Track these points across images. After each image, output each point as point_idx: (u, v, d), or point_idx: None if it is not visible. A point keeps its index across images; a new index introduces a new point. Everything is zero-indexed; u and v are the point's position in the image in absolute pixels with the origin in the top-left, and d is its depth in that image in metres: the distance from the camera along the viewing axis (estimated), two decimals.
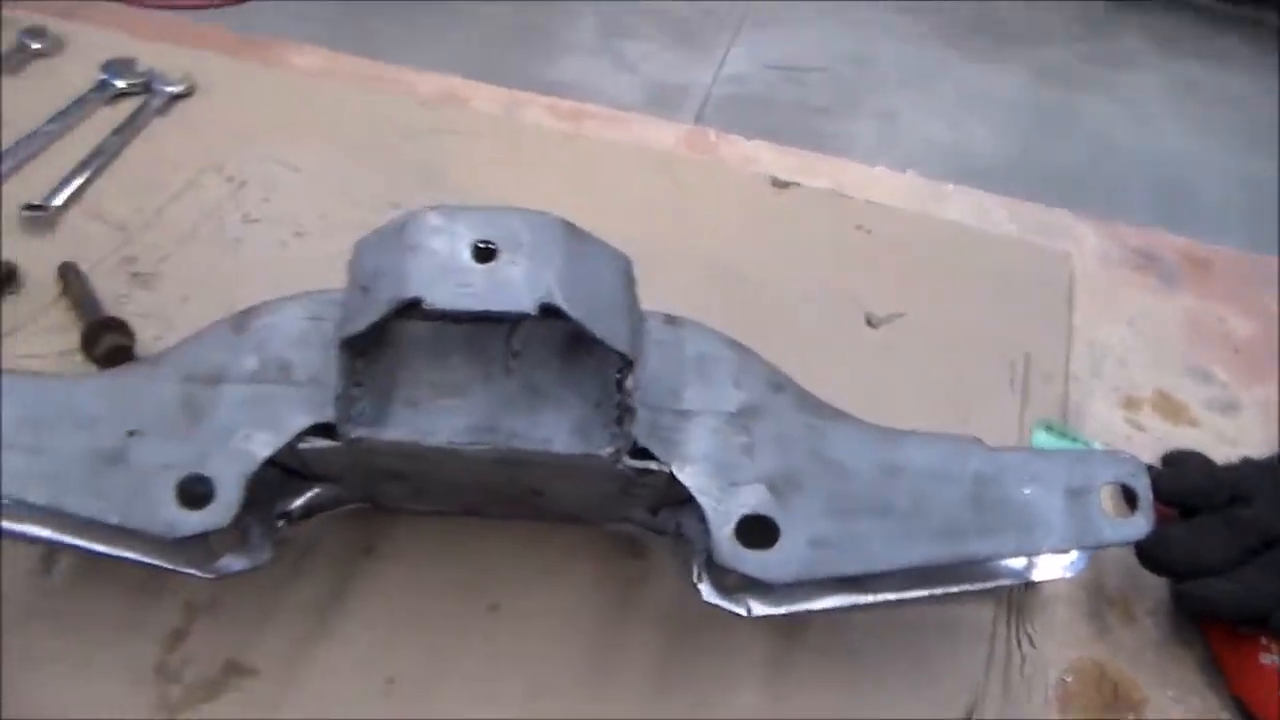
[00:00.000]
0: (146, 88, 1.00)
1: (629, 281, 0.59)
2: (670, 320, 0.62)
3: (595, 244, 0.57)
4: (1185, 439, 0.80)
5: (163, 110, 0.98)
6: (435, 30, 3.05)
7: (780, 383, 0.62)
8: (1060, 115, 3.01)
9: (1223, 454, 0.75)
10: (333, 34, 2.95)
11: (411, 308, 0.52)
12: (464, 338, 0.59)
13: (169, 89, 0.99)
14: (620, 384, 0.56)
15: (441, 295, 0.52)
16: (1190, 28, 3.42)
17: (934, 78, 3.11)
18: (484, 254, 0.53)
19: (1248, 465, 0.72)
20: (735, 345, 0.62)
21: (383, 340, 0.58)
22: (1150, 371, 0.85)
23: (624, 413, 0.56)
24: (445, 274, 0.53)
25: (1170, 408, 0.83)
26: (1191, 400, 0.84)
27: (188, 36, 1.08)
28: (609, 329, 0.54)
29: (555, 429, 0.57)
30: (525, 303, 0.52)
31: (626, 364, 0.56)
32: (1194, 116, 3.04)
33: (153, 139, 0.96)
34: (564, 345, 0.59)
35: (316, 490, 0.66)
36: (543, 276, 0.53)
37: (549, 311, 0.52)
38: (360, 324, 0.54)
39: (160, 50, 1.04)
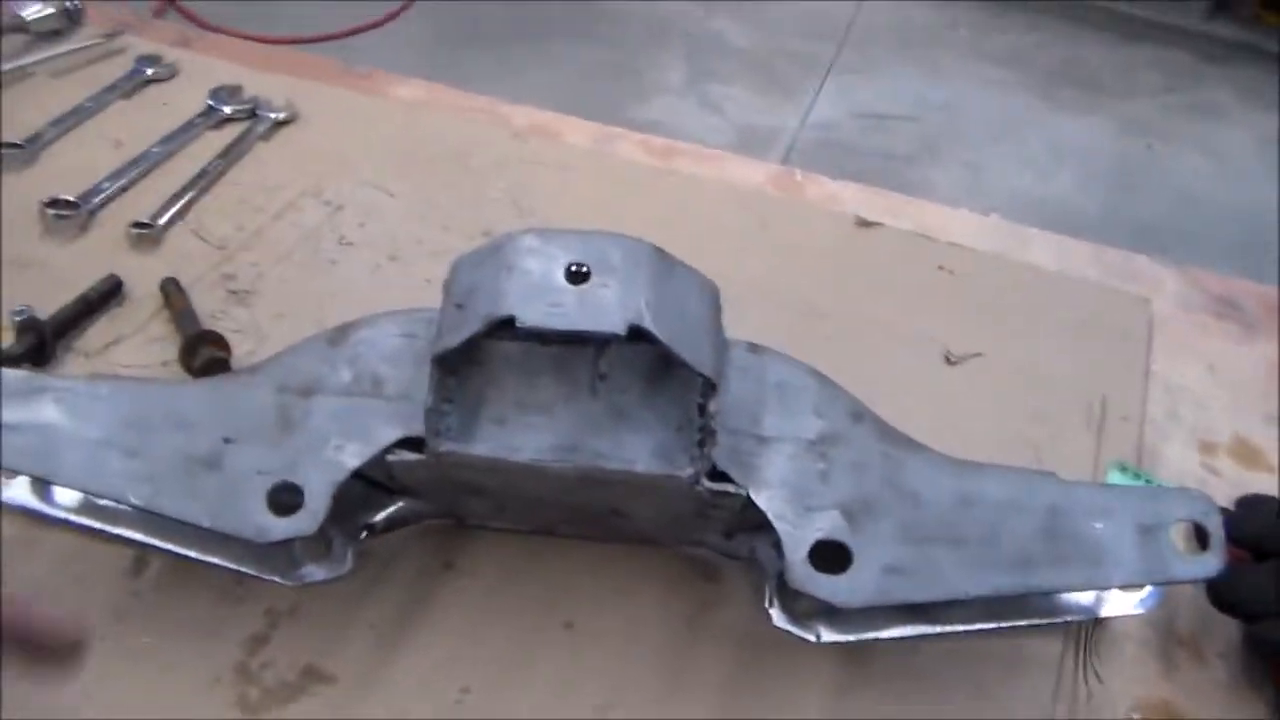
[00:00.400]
0: (251, 114, 1.04)
1: (716, 309, 0.60)
2: (754, 348, 0.64)
3: (684, 270, 0.59)
4: (1261, 484, 0.79)
5: (266, 136, 1.02)
6: (527, 69, 3.11)
7: (860, 412, 0.63)
8: (1146, 167, 2.99)
9: None
10: (430, 68, 3.00)
11: (505, 326, 0.55)
12: (552, 359, 0.61)
13: (273, 115, 1.03)
14: (703, 408, 0.58)
15: (534, 314, 0.54)
16: (1276, 81, 3.38)
17: (1020, 128, 3.10)
18: (577, 276, 0.56)
19: None
20: (816, 374, 0.64)
21: (473, 358, 0.60)
22: (1228, 417, 0.85)
23: (705, 435, 0.58)
24: (539, 294, 0.55)
25: (1247, 453, 0.83)
26: (1269, 447, 0.84)
27: (293, 66, 1.12)
28: (695, 353, 0.56)
29: (638, 450, 0.59)
30: (615, 324, 0.54)
31: (710, 387, 0.57)
32: None
33: (255, 162, 1.00)
34: (649, 369, 0.61)
35: (400, 504, 0.69)
36: (633, 299, 0.55)
37: (637, 333, 0.54)
38: (455, 340, 0.56)
39: (266, 79, 1.08)
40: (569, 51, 3.23)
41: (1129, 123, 3.14)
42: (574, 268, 0.56)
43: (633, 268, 0.56)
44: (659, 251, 0.58)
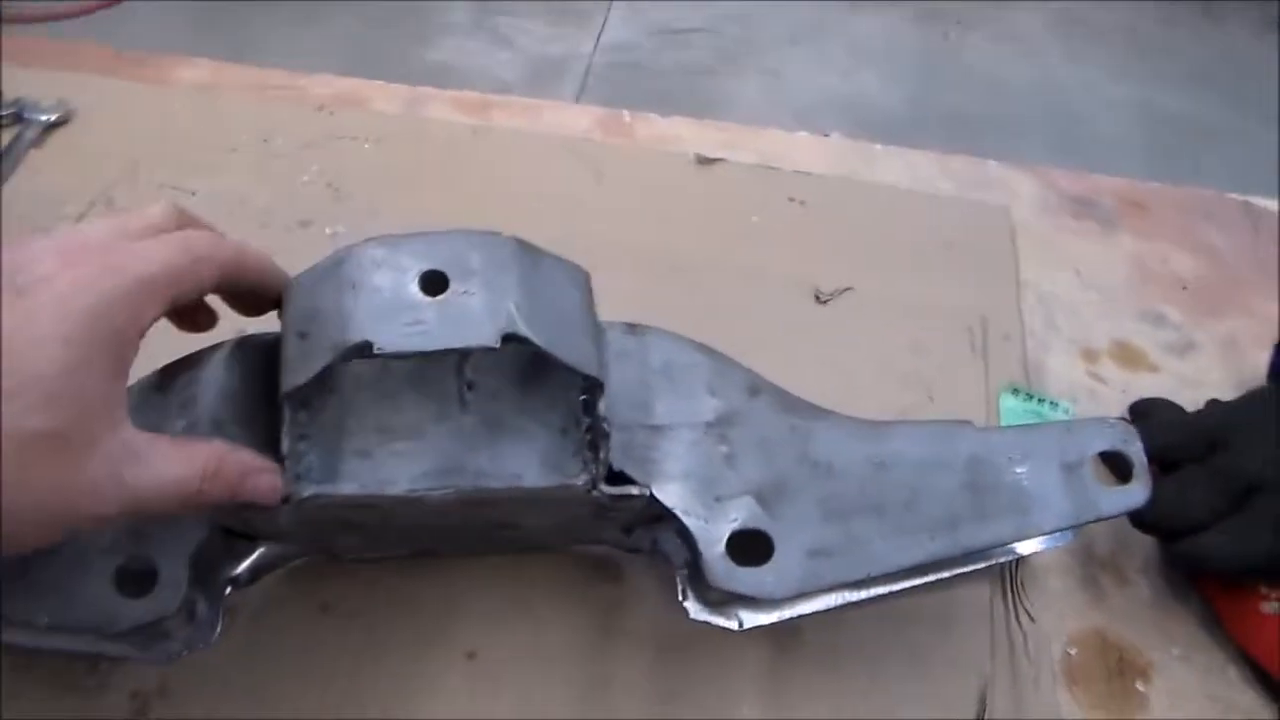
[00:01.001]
0: (17, 118, 0.92)
1: (589, 297, 0.55)
2: (632, 329, 0.58)
3: (551, 261, 0.53)
4: (1147, 386, 0.78)
5: (38, 141, 0.91)
6: (299, 26, 2.96)
7: (756, 385, 0.58)
8: (947, 57, 3.01)
9: (1187, 398, 0.74)
10: (192, 40, 2.85)
11: (358, 352, 0.48)
12: (412, 375, 0.55)
13: (43, 117, 0.92)
14: (590, 407, 0.53)
15: (392, 337, 0.48)
16: None
17: (817, 30, 3.09)
18: (434, 286, 0.49)
19: (1217, 409, 0.71)
20: (703, 349, 0.59)
21: (325, 386, 0.53)
22: (1103, 320, 0.83)
23: (597, 438, 0.52)
24: (394, 313, 0.48)
25: (1128, 355, 0.81)
26: (1148, 345, 0.82)
27: (58, 58, 1.01)
28: (576, 352, 0.50)
29: (523, 463, 0.53)
30: (485, 335, 0.48)
31: (596, 387, 0.52)
32: (1080, 49, 3.06)
33: (30, 173, 0.89)
34: (521, 371, 0.55)
35: (262, 550, 0.61)
36: (500, 304, 0.48)
37: (512, 341, 0.48)
38: (303, 375, 0.49)
39: (28, 76, 0.96)
40: (341, 3, 3.09)
41: (925, 14, 3.17)
42: (429, 277, 0.49)
43: (495, 269, 0.50)
44: (521, 244, 0.52)
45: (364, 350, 0.47)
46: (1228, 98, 2.79)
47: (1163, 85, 2.89)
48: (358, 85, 1.00)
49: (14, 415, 0.39)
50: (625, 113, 1.00)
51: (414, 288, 0.49)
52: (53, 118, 0.93)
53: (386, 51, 2.83)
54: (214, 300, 0.54)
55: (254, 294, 0.53)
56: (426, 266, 0.49)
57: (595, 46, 3.00)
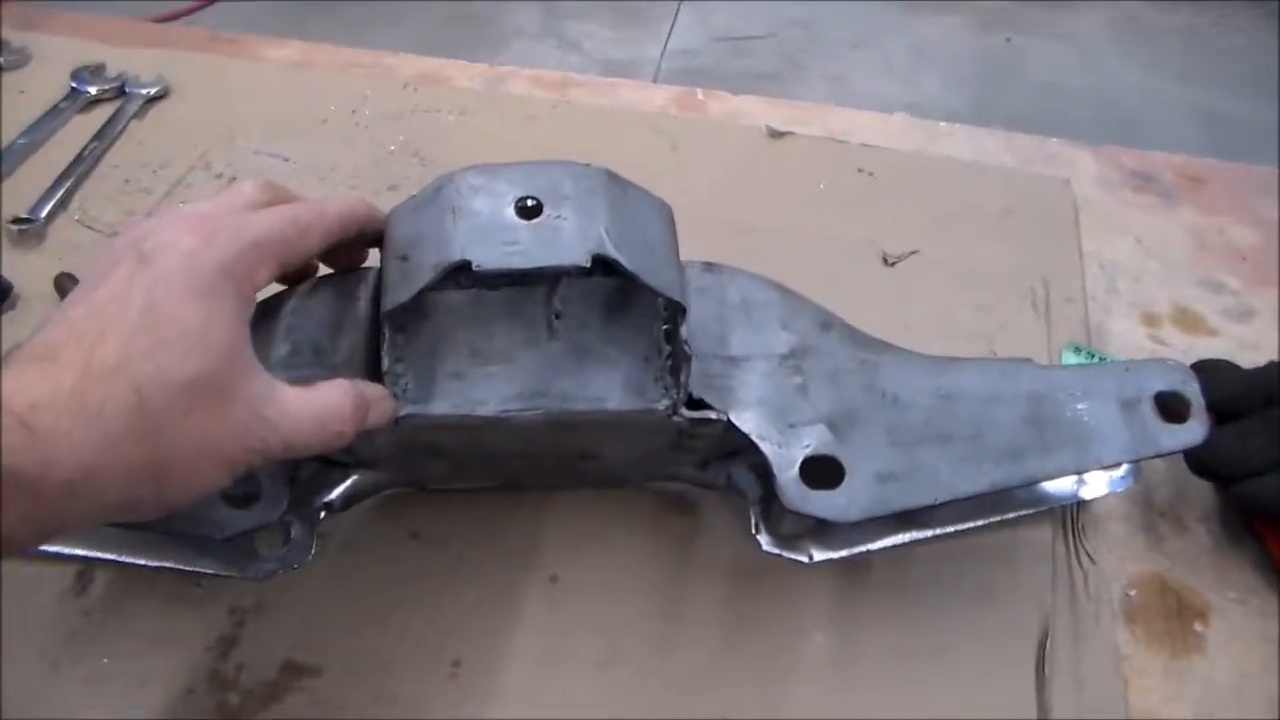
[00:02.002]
0: (120, 92, 0.97)
1: (672, 229, 0.58)
2: (709, 267, 0.61)
3: (638, 192, 0.56)
4: (1208, 349, 0.80)
5: (140, 113, 0.96)
6: (374, 28, 3.02)
7: (828, 320, 0.61)
8: (1008, 61, 3.02)
9: (1245, 359, 0.74)
10: (285, 31, 2.91)
11: (458, 273, 0.51)
12: (503, 303, 0.58)
13: (143, 91, 0.97)
14: (671, 334, 0.55)
15: (490, 256, 0.51)
16: None
17: (880, 35, 3.11)
18: (529, 210, 0.52)
19: (1275, 367, 0.72)
20: (778, 287, 0.62)
21: (420, 313, 0.56)
22: (1164, 287, 0.85)
23: (679, 363, 0.55)
24: (491, 234, 0.51)
25: (1188, 320, 0.83)
26: (1208, 311, 0.84)
27: (155, 39, 1.06)
28: (660, 277, 0.53)
29: (607, 387, 0.56)
30: (577, 256, 0.51)
31: (679, 312, 0.54)
32: (1139, 52, 3.05)
33: (133, 142, 0.93)
34: (606, 302, 0.58)
35: (355, 478, 0.65)
36: (592, 228, 0.51)
37: (601, 264, 0.51)
38: (404, 294, 0.52)
39: (129, 54, 1.01)
40: (416, 6, 3.15)
41: (986, 19, 3.17)
42: (524, 202, 0.52)
43: (587, 195, 0.53)
44: (611, 175, 0.55)
45: (464, 269, 0.50)
46: None
47: (1222, 88, 2.88)
48: (441, 64, 1.04)
49: (169, 364, 0.43)
50: (699, 90, 1.03)
51: (510, 212, 0.52)
52: (152, 91, 0.97)
53: (457, 55, 2.88)
54: None
55: (360, 242, 0.57)
56: (522, 192, 0.52)
57: (662, 52, 3.03)
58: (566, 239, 0.51)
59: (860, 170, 0.92)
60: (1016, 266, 0.84)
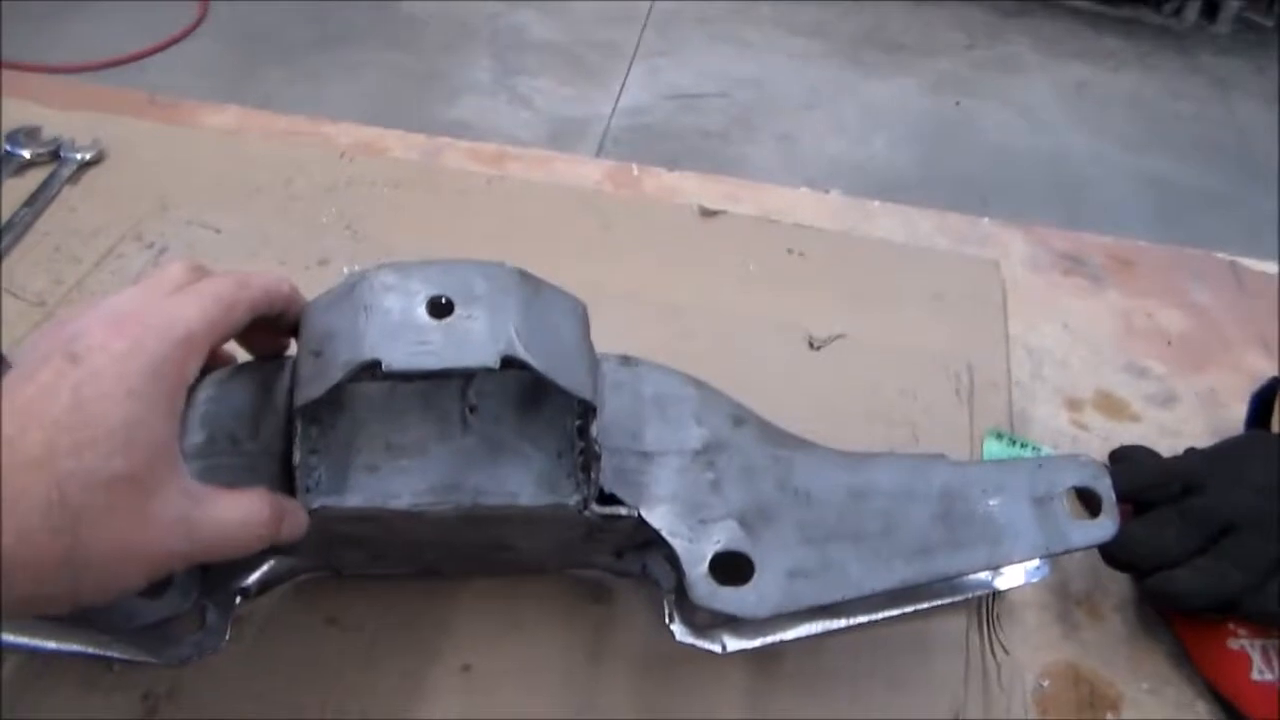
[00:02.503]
0: (55, 156, 0.97)
1: (585, 327, 0.58)
2: (626, 361, 0.62)
3: (551, 291, 0.56)
4: (1129, 435, 0.81)
5: (73, 179, 0.96)
6: (329, 80, 3.03)
7: (741, 416, 0.61)
8: (957, 124, 3.06)
9: (1166, 446, 0.76)
10: (227, 87, 2.92)
11: (368, 370, 0.51)
12: (419, 396, 0.58)
13: (78, 155, 0.97)
14: (583, 431, 0.56)
15: (400, 355, 0.51)
16: (1072, 30, 3.50)
17: (831, 96, 3.15)
18: (440, 309, 0.52)
19: (1194, 455, 0.73)
20: (693, 381, 0.62)
21: (335, 404, 0.57)
22: (1089, 372, 0.87)
23: (589, 460, 0.55)
24: (402, 333, 0.51)
25: (1111, 405, 0.84)
26: (1131, 396, 0.85)
27: (95, 101, 1.06)
28: (571, 377, 0.53)
29: (520, 482, 0.56)
30: (486, 356, 0.51)
31: (590, 410, 0.55)
32: (1087, 118, 3.10)
33: (65, 209, 0.93)
34: (521, 396, 0.58)
35: (272, 563, 0.65)
36: (502, 328, 0.52)
37: (511, 363, 0.51)
38: (316, 390, 0.52)
39: (66, 117, 1.01)
40: (369, 58, 3.17)
41: (936, 82, 3.22)
42: (436, 301, 0.53)
43: (498, 294, 0.53)
44: (523, 274, 0.55)
45: (373, 367, 0.51)
46: (1233, 168, 2.82)
47: (1167, 154, 2.93)
48: (378, 134, 1.05)
49: (92, 462, 0.43)
50: (634, 166, 1.04)
51: (421, 311, 0.52)
52: (87, 156, 0.97)
53: (408, 108, 2.90)
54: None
55: (283, 324, 0.57)
56: (433, 291, 0.53)
57: (613, 109, 3.05)
58: (476, 339, 0.51)
59: (790, 251, 0.93)
60: (943, 350, 0.85)
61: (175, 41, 3.14)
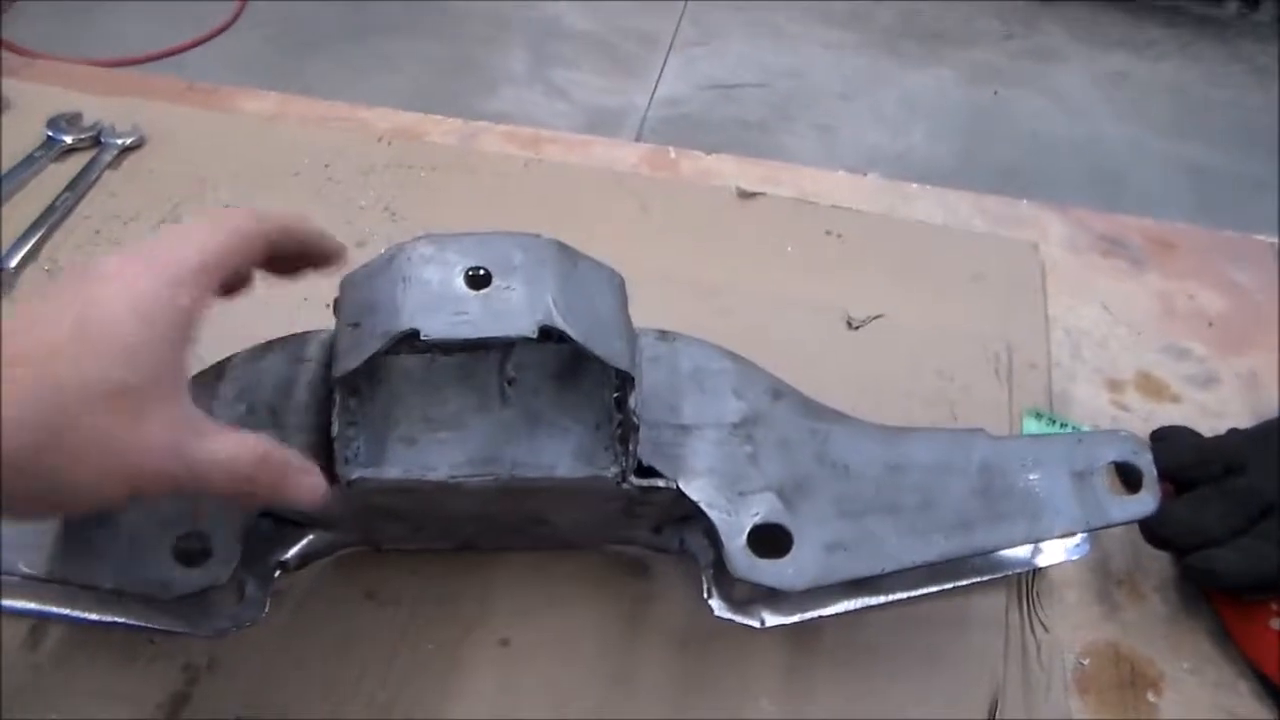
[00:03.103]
0: (96, 141, 0.98)
1: (623, 298, 0.58)
2: (664, 335, 0.62)
3: (588, 263, 0.56)
4: (1169, 416, 0.80)
5: (114, 164, 0.96)
6: (367, 72, 3.04)
7: (779, 390, 0.61)
8: (994, 113, 3.04)
9: (1207, 427, 0.75)
10: (268, 79, 2.93)
11: (407, 340, 0.51)
12: (457, 369, 0.58)
13: (119, 141, 0.97)
14: (621, 403, 0.56)
15: (438, 325, 0.51)
16: (1111, 19, 3.46)
17: (869, 86, 3.12)
18: (478, 281, 0.52)
19: (1235, 435, 0.73)
20: (731, 356, 0.62)
21: (374, 377, 0.57)
22: (1129, 353, 0.86)
23: (627, 431, 0.55)
24: (440, 304, 0.52)
25: (1152, 387, 0.83)
26: (1171, 377, 0.84)
27: (134, 88, 1.06)
28: (608, 347, 0.54)
29: (557, 454, 0.56)
30: (524, 326, 0.51)
31: (627, 381, 0.55)
32: (1126, 106, 3.07)
33: (106, 193, 0.94)
34: (559, 369, 0.58)
35: (311, 537, 0.65)
36: (540, 299, 0.52)
37: (548, 334, 0.51)
38: (354, 361, 0.52)
39: (107, 103, 1.02)
40: (408, 50, 3.17)
41: (974, 71, 3.19)
42: (474, 272, 0.53)
43: (536, 266, 0.53)
44: (561, 246, 0.55)
45: (412, 338, 0.51)
46: (1274, 156, 2.79)
47: (1207, 143, 2.90)
48: (416, 119, 1.05)
49: (93, 371, 0.43)
50: (671, 149, 1.04)
51: (460, 282, 0.52)
52: (128, 142, 0.98)
53: (445, 99, 2.89)
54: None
55: (301, 258, 0.56)
56: (471, 263, 0.53)
57: (650, 100, 3.05)
58: (514, 309, 0.52)
59: (829, 232, 0.92)
60: (981, 331, 0.84)
61: (213, 36, 3.15)
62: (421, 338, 0.51)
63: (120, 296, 0.46)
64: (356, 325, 0.54)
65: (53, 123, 0.99)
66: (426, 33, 3.24)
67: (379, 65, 3.08)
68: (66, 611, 0.61)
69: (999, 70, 3.20)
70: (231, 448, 0.48)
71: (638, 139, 2.83)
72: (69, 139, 0.98)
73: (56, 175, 0.95)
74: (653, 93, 3.07)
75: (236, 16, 3.23)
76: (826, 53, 3.26)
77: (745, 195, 0.96)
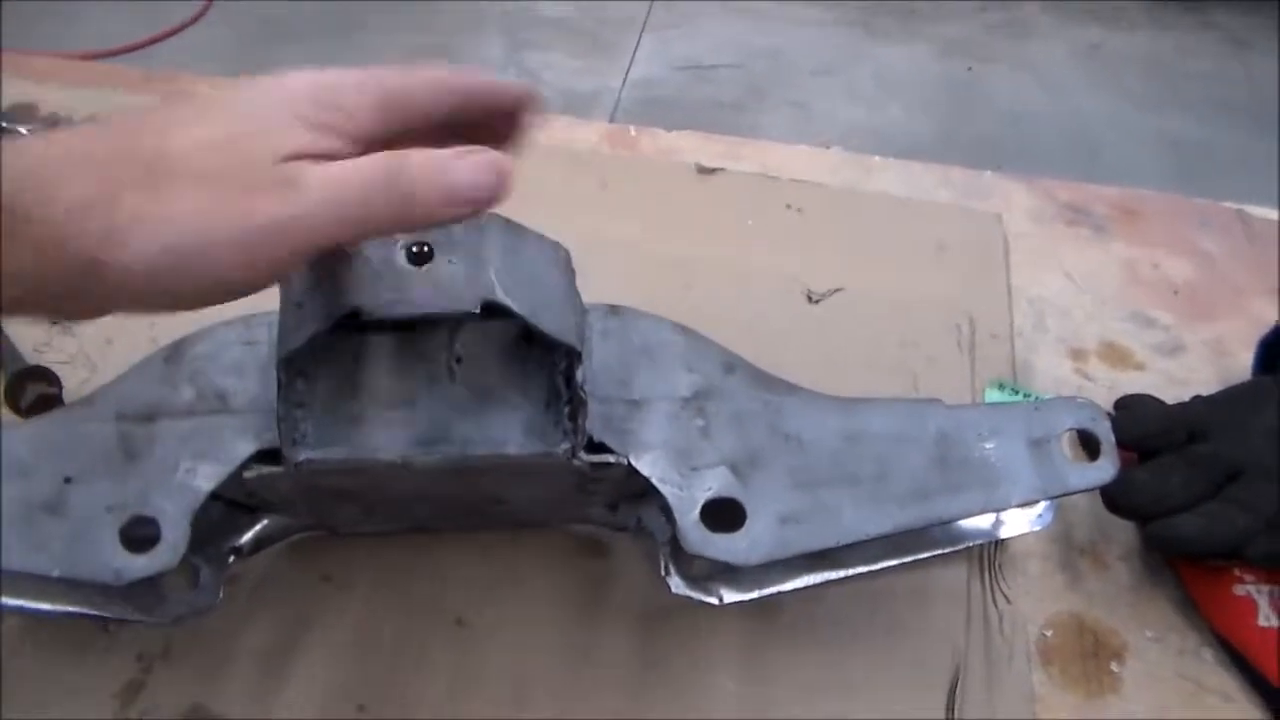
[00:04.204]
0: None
1: (570, 273, 0.57)
2: (613, 310, 0.61)
3: (533, 237, 0.56)
4: (1134, 384, 0.80)
5: None
6: (339, 62, 3.01)
7: (732, 363, 0.61)
8: (970, 88, 3.04)
9: (1172, 395, 0.75)
10: (240, 70, 2.91)
11: (350, 319, 0.51)
12: (404, 346, 0.57)
13: None
14: (569, 378, 0.55)
15: (378, 302, 0.50)
16: None
17: (844, 63, 3.12)
18: (419, 256, 0.52)
19: (1199, 402, 0.72)
20: (682, 329, 0.61)
21: (321, 358, 0.56)
22: (1093, 322, 0.85)
23: (576, 407, 0.55)
24: (381, 280, 0.51)
25: (1115, 355, 0.83)
26: (1136, 345, 0.84)
27: (90, 78, 1.05)
28: (555, 322, 0.53)
29: (507, 431, 0.55)
30: (467, 302, 0.50)
31: (575, 356, 0.54)
32: (1101, 78, 3.08)
33: None
34: (507, 345, 0.58)
35: (265, 522, 0.64)
36: (483, 274, 0.51)
37: (492, 309, 0.51)
38: (297, 340, 0.52)
39: (62, 95, 1.01)
40: (381, 41, 3.16)
41: (949, 46, 3.19)
42: (415, 248, 0.52)
43: (477, 240, 0.52)
44: (504, 221, 0.54)
45: (354, 315, 0.50)
46: (1249, 125, 2.79)
47: (1184, 114, 2.90)
48: None
49: (257, 146, 0.43)
50: (631, 128, 1.03)
51: (400, 258, 0.52)
52: None
53: None
54: None
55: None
56: (412, 239, 0.52)
57: (624, 81, 3.04)
58: (456, 285, 0.51)
59: (789, 206, 0.92)
60: (943, 302, 0.84)
61: (183, 28, 3.14)
62: (363, 315, 0.50)
63: (276, 94, 0.46)
64: (300, 305, 0.53)
65: (6, 114, 0.97)
66: (402, 25, 3.23)
67: (354, 55, 3.05)
68: (16, 602, 0.60)
69: (974, 45, 3.20)
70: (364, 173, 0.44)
71: (611, 120, 2.83)
72: (24, 129, 0.96)
73: None
74: (625, 74, 3.06)
75: (205, 9, 3.21)
76: (801, 30, 3.26)
77: (705, 171, 0.95)
